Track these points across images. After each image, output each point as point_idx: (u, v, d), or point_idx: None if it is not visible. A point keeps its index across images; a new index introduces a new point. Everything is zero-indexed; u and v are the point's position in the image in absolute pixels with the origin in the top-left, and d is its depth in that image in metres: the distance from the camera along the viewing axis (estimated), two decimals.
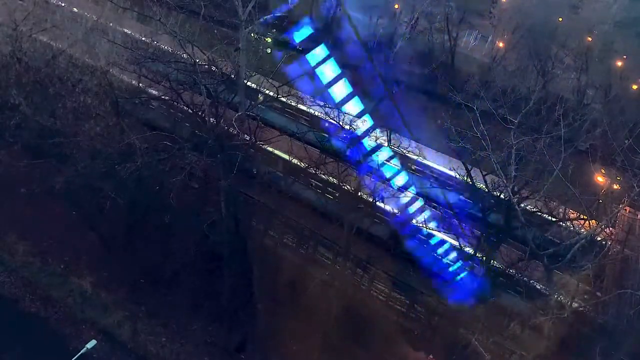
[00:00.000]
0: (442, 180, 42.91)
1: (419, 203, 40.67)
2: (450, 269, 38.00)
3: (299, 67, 40.20)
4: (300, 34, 43.62)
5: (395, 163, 43.45)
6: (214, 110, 34.72)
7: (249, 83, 38.84)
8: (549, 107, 37.86)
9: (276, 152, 41.32)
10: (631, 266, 33.20)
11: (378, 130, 42.71)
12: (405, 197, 40.79)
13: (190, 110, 38.18)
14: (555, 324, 32.92)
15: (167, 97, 40.65)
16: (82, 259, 37.40)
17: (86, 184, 35.79)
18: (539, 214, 36.38)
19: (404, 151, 42.50)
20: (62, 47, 39.15)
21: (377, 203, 39.33)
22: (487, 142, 33.89)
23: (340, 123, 41.37)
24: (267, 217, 40.39)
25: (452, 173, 40.82)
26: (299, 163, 40.74)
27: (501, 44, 54.37)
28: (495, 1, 58.70)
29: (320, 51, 40.72)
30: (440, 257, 38.44)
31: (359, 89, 43.76)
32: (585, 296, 35.04)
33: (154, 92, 42.35)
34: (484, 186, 36.84)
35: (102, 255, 37.31)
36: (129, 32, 43.95)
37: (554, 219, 36.39)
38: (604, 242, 35.45)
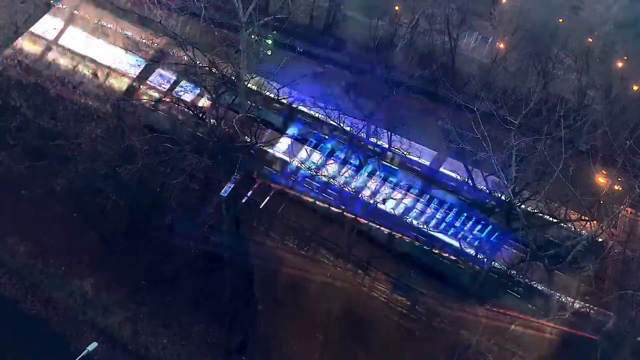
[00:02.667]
0: (443, 182, 42.92)
1: (419, 204, 40.67)
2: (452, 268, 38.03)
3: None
4: None
5: (396, 164, 43.47)
6: (214, 111, 34.80)
7: (249, 85, 38.95)
8: (550, 108, 37.93)
9: (277, 153, 41.37)
10: (632, 267, 33.15)
11: (379, 131, 42.71)
12: (406, 198, 40.81)
13: (191, 112, 38.30)
14: (556, 324, 32.95)
15: (168, 99, 40.78)
16: (83, 260, 37.39)
17: (87, 186, 35.85)
18: (540, 215, 36.41)
19: (405, 152, 42.50)
20: (64, 49, 39.29)
21: (378, 205, 39.39)
22: (487, 143, 33.95)
23: (341, 125, 41.42)
24: (267, 218, 40.38)
25: (453, 174, 40.87)
26: (299, 164, 40.81)
27: (501, 45, 54.27)
28: (496, 2, 58.67)
29: None
30: (441, 257, 38.48)
31: (359, 90, 43.82)
32: (586, 297, 35.04)
33: (155, 94, 42.46)
34: (484, 187, 36.89)
35: (103, 256, 37.31)
36: (130, 34, 44.08)
37: (555, 220, 36.42)
38: (605, 243, 35.48)
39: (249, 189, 38.83)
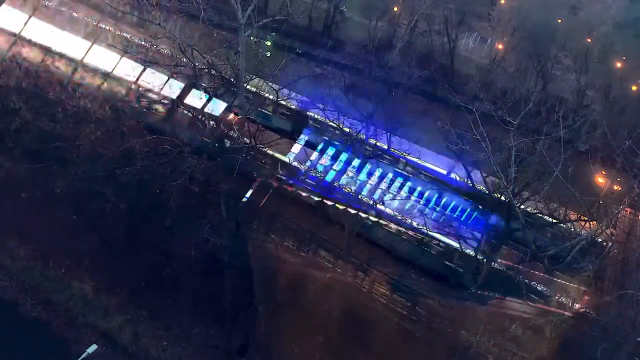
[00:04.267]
0: (442, 182, 42.97)
1: (419, 205, 40.68)
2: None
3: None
4: None
5: (395, 165, 43.53)
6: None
7: (248, 86, 38.94)
8: (549, 108, 37.97)
9: (276, 154, 41.39)
10: (632, 267, 33.19)
11: (378, 132, 42.69)
12: (406, 199, 40.83)
13: (190, 114, 38.29)
14: (557, 325, 32.97)
15: (167, 101, 40.77)
16: (83, 263, 37.31)
17: (87, 188, 35.83)
18: (540, 215, 36.43)
19: (404, 153, 42.50)
20: (63, 51, 39.31)
21: (377, 205, 39.41)
22: (487, 143, 33.98)
23: (340, 126, 41.43)
24: (267, 220, 40.40)
25: (452, 175, 40.91)
26: (298, 165, 40.83)
27: (500, 46, 54.42)
28: (494, 3, 58.88)
29: None
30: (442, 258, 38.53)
31: (359, 91, 43.82)
32: (586, 297, 35.07)
33: (154, 96, 42.46)
34: (484, 188, 36.91)
35: (103, 258, 37.24)
36: (129, 37, 44.07)
37: (554, 221, 36.44)
38: (604, 243, 35.54)
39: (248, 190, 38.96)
